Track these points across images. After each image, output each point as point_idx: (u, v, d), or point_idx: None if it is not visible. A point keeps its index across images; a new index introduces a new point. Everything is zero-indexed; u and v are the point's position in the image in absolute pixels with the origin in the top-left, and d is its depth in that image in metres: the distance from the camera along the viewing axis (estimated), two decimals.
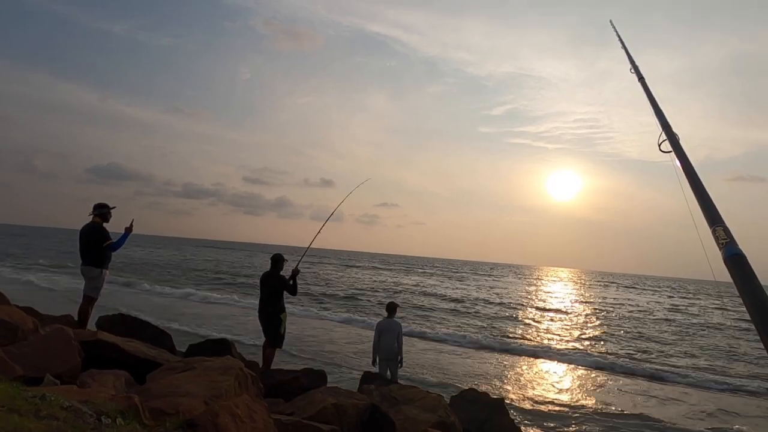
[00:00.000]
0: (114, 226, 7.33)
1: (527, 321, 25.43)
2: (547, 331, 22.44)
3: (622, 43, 3.35)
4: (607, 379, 13.76)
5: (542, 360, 16.01)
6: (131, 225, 7.30)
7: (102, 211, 7.24)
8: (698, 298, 55.31)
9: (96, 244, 7.06)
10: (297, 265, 7.95)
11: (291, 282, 7.79)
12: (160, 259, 52.59)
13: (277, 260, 7.91)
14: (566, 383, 13.00)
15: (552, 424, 9.32)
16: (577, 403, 10.84)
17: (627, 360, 16.72)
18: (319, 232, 8.71)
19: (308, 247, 8.58)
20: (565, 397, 11.33)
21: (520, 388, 11.92)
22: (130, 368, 5.10)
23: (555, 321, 26.62)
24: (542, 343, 19.05)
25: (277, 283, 7.76)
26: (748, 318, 1.28)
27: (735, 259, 1.41)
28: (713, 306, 44.19)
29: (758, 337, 1.22)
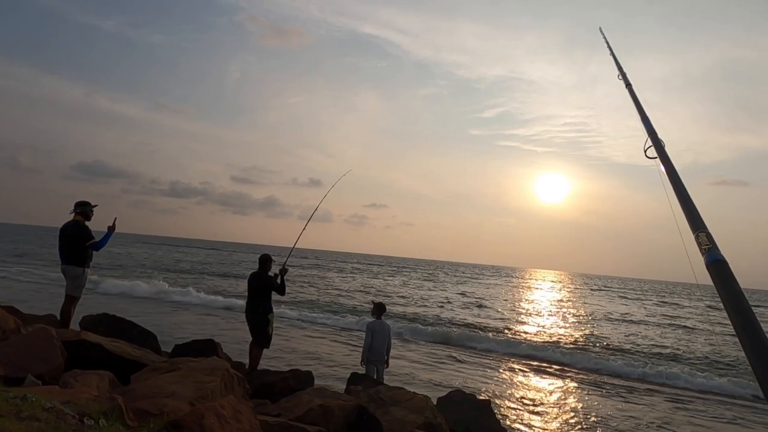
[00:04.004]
0: (97, 225, 7.24)
1: (513, 323, 25.59)
2: (533, 332, 22.61)
3: (611, 50, 3.40)
4: (593, 382, 13.90)
5: (528, 362, 16.11)
6: (114, 224, 7.22)
7: (84, 209, 7.14)
8: (682, 302, 56.14)
9: (79, 243, 6.96)
10: (285, 263, 7.92)
11: (279, 281, 7.76)
12: (144, 259, 51.97)
13: (265, 260, 7.88)
14: (552, 385, 13.11)
15: (538, 425, 9.39)
16: (563, 405, 10.94)
17: (613, 362, 16.89)
18: (303, 229, 8.66)
19: (294, 246, 8.52)
20: (551, 399, 11.43)
21: (506, 389, 11.99)
22: (114, 369, 5.04)
23: (539, 323, 26.84)
24: (528, 345, 19.16)
25: (265, 283, 7.74)
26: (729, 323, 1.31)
27: (717, 265, 1.44)
28: (696, 309, 44.91)
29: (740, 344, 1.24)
